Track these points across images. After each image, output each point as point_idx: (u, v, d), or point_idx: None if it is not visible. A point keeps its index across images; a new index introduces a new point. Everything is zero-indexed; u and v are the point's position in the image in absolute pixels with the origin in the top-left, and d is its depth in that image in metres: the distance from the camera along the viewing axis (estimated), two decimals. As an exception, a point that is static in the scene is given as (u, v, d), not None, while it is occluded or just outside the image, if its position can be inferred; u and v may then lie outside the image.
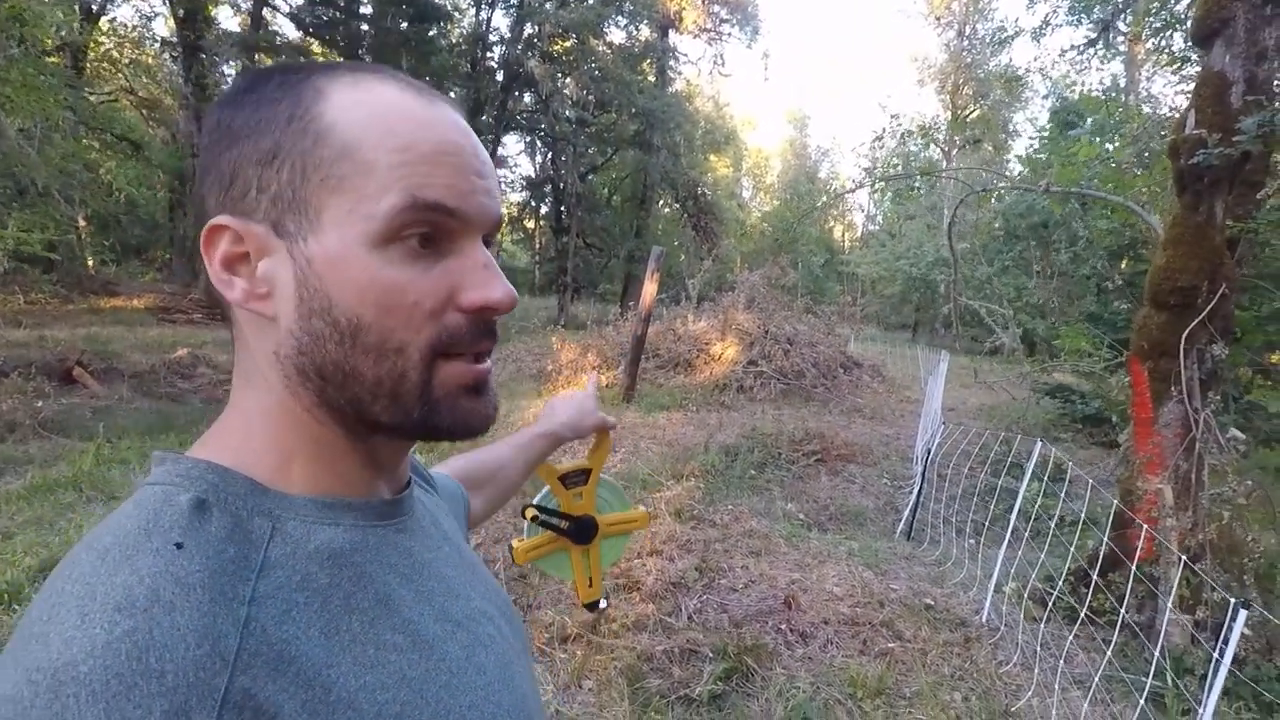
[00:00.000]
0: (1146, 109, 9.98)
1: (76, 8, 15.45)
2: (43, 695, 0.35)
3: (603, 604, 1.18)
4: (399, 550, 0.54)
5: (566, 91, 21.68)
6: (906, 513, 5.23)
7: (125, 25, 19.87)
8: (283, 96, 0.49)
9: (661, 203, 28.99)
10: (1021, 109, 32.93)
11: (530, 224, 31.06)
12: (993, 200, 13.82)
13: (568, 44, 21.20)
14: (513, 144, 29.16)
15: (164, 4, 18.07)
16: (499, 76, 21.82)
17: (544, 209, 28.63)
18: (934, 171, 17.10)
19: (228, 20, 20.60)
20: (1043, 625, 3.44)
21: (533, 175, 28.69)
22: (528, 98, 22.76)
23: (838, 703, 2.85)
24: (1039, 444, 4.15)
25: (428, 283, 0.49)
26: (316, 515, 0.49)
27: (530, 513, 1.08)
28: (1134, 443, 3.74)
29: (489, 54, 22.12)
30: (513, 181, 28.82)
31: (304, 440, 0.51)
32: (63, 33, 13.92)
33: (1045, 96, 26.06)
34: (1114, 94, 15.66)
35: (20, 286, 13.87)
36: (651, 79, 23.97)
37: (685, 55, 26.92)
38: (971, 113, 32.72)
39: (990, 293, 10.52)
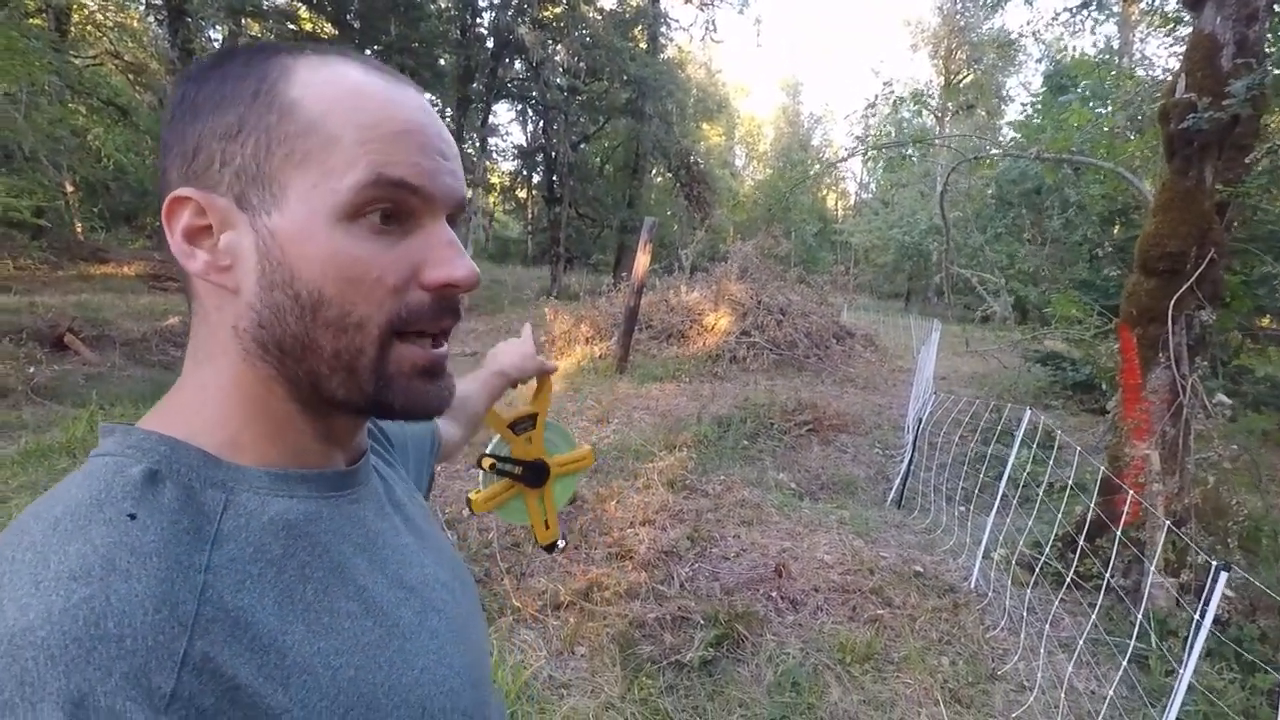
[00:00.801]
0: (1140, 72, 9.89)
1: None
2: (0, 659, 0.35)
3: (560, 544, 1.20)
4: (352, 520, 0.55)
5: (557, 59, 21.32)
6: (897, 481, 5.27)
7: (108, -14, 19.36)
8: (248, 73, 0.50)
9: (654, 172, 28.72)
10: (1015, 73, 32.72)
11: (522, 194, 30.76)
12: (985, 167, 13.75)
13: (558, 9, 20.83)
14: (504, 112, 28.83)
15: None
16: (489, 43, 21.45)
17: (536, 178, 28.36)
18: (927, 140, 16.97)
19: (212, -16, 20.06)
20: (1030, 590, 3.49)
21: (524, 144, 28.36)
22: (518, 65, 22.42)
23: (827, 668, 2.89)
24: (1029, 411, 4.17)
25: (390, 259, 0.50)
26: (270, 487, 0.50)
27: (488, 461, 1.08)
28: (1122, 409, 3.76)
29: (479, 20, 21.72)
30: (504, 150, 28.54)
31: (259, 414, 0.51)
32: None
33: (1039, 60, 25.89)
34: (1107, 56, 15.51)
35: (9, 252, 13.70)
36: (643, 46, 23.55)
37: (677, 21, 26.48)
38: (965, 77, 32.42)
39: (983, 260, 10.51)
